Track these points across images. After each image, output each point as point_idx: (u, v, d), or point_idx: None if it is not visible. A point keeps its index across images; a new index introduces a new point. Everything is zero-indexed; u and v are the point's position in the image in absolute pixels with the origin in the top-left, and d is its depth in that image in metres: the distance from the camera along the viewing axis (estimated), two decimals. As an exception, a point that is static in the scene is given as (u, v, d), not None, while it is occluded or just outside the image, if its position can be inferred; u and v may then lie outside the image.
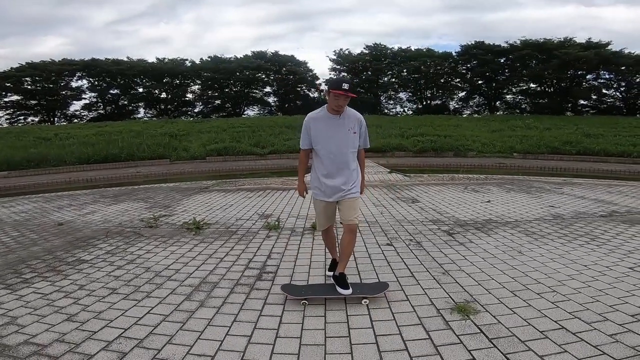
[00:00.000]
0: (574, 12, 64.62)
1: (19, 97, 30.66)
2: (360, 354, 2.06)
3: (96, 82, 32.52)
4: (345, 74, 34.10)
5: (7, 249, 4.08)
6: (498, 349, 2.07)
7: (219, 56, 34.36)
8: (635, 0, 60.47)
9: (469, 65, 32.98)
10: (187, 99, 35.68)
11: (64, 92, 31.89)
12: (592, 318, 2.38)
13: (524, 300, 2.64)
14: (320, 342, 2.19)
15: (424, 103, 35.43)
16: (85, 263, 3.58)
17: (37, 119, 32.07)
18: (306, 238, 4.25)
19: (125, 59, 32.47)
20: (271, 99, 37.14)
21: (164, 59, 33.55)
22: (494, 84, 32.95)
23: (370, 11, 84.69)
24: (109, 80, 32.19)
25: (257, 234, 4.46)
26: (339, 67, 35.31)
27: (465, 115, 32.72)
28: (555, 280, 2.99)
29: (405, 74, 34.11)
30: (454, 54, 33.00)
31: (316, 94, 35.96)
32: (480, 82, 33.53)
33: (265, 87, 36.39)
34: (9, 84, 29.11)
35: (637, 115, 27.49)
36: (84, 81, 32.58)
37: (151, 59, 34.35)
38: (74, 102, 33.15)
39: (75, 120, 32.17)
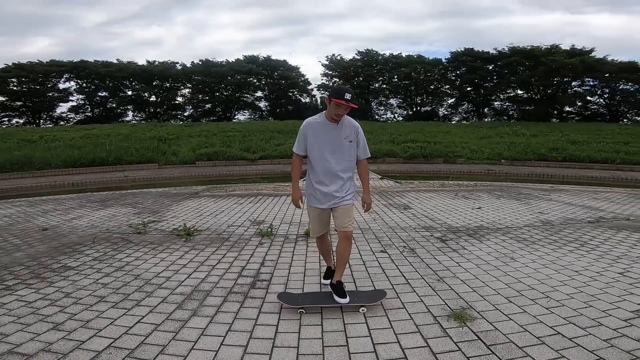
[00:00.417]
0: (561, 19, 66.42)
1: (3, 98, 29.91)
2: (358, 364, 2.03)
3: (84, 84, 31.99)
4: (338, 80, 34.28)
5: (-11, 255, 3.94)
6: (496, 356, 2.06)
7: (211, 60, 34.24)
8: (619, 8, 62.49)
9: (458, 72, 33.47)
10: (177, 102, 35.38)
11: (50, 94, 31.27)
12: (586, 323, 2.40)
13: (519, 307, 2.65)
14: (319, 351, 2.16)
15: (414, 109, 35.78)
16: (71, 270, 3.47)
17: (22, 121, 31.36)
18: (300, 245, 4.21)
19: (115, 61, 32.06)
20: (262, 104, 37.11)
21: (154, 61, 33.27)
22: (482, 91, 33.49)
23: (363, 17, 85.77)
24: (98, 82, 31.68)
25: (250, 240, 4.40)
26: (331, 72, 35.47)
27: (454, 122, 33.13)
28: (548, 286, 3.02)
29: (396, 80, 34.42)
30: (443, 60, 33.53)
31: (308, 99, 36.04)
32: (469, 88, 34.04)
33: (256, 92, 36.33)
34: (-7, 85, 28.46)
35: (620, 122, 28.24)
36: (72, 83, 32.08)
37: (141, 61, 33.96)
38: (61, 104, 32.56)
39: (62, 123, 31.52)
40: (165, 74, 32.73)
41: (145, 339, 2.30)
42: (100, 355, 2.12)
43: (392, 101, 36.91)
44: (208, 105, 35.33)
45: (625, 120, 30.28)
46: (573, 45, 29.36)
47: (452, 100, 35.90)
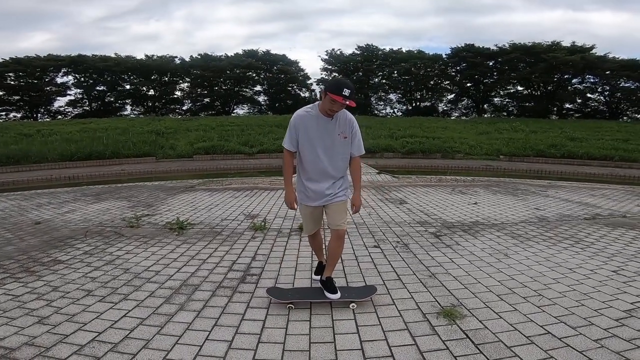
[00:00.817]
0: (563, 16, 66.00)
1: (1, 93, 29.71)
2: (344, 361, 2.00)
3: (82, 79, 31.74)
4: (338, 75, 34.06)
5: (-21, 248, 3.90)
6: (484, 355, 2.03)
7: (209, 54, 34.02)
8: (621, 5, 62.15)
9: (458, 68, 33.30)
10: (176, 96, 35.19)
11: (48, 88, 31.07)
12: (577, 322, 2.37)
13: (510, 305, 2.61)
14: (305, 347, 2.12)
15: (414, 104, 35.67)
16: (61, 264, 3.44)
17: (19, 115, 31.20)
18: (293, 239, 4.17)
19: (113, 56, 31.81)
20: (261, 98, 36.90)
21: (153, 56, 33.00)
22: (482, 87, 33.36)
23: (363, 12, 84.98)
24: (96, 76, 31.46)
25: (243, 234, 4.37)
26: (330, 67, 35.31)
27: (453, 118, 33.05)
28: (541, 283, 2.98)
29: (396, 75, 34.25)
30: (444, 56, 33.33)
31: (307, 94, 35.86)
32: (469, 84, 33.88)
33: (255, 86, 36.13)
34: (-10, 79, 28.26)
35: (620, 120, 28.16)
36: (70, 77, 31.83)
37: (140, 55, 33.51)
38: (59, 98, 32.36)
39: (60, 117, 31.38)
40: (164, 68, 32.50)
41: (130, 333, 2.27)
42: (83, 349, 2.10)
43: (392, 96, 36.84)
44: (207, 100, 35.17)
45: (625, 117, 30.18)
46: (574, 42, 29.20)
47: (452, 96, 35.81)
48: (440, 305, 2.61)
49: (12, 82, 29.43)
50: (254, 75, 34.66)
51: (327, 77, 34.88)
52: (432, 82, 34.58)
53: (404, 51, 34.13)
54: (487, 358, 2.00)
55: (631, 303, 2.63)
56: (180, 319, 2.43)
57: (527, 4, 70.59)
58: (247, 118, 26.12)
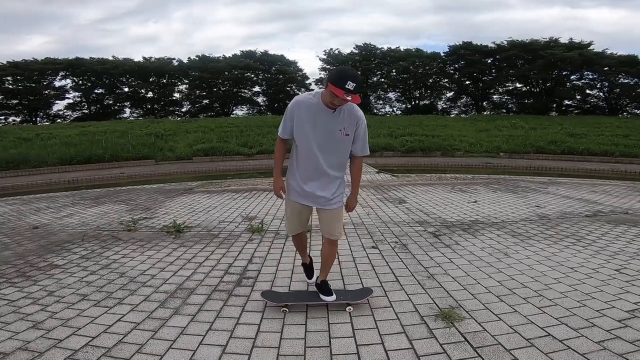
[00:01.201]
0: (560, 13, 65.86)
1: (-1, 97, 29.75)
2: (341, 365, 1.97)
3: (80, 82, 31.68)
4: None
5: (-26, 254, 3.88)
6: (482, 359, 1.99)
7: (208, 55, 33.94)
8: (618, 2, 62.03)
9: (456, 66, 33.18)
10: (175, 98, 35.12)
11: (46, 92, 30.99)
12: (579, 324, 2.32)
13: (509, 306, 2.57)
14: (300, 352, 2.09)
15: (413, 103, 35.56)
16: (57, 268, 3.41)
17: (18, 119, 31.14)
18: (290, 241, 4.12)
19: (111, 58, 31.79)
20: (260, 99, 36.82)
21: (151, 58, 32.91)
22: (481, 84, 33.25)
23: (362, 11, 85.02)
24: (94, 79, 31.41)
25: (240, 237, 4.33)
26: (328, 66, 35.19)
27: (452, 115, 32.93)
28: (542, 283, 2.94)
29: (394, 74, 34.15)
30: (442, 54, 33.21)
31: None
32: (467, 82, 33.79)
33: (254, 87, 36.03)
34: (-12, 84, 28.24)
35: (619, 115, 28.07)
36: (68, 80, 31.74)
37: (138, 58, 33.61)
38: (57, 101, 32.25)
39: (59, 120, 31.30)
40: (162, 70, 32.44)
41: (124, 337, 2.25)
42: (76, 353, 2.09)
43: (391, 95, 36.66)
44: (205, 101, 35.08)
45: (624, 113, 30.08)
46: (571, 39, 29.10)
47: (451, 93, 35.67)
48: (438, 307, 2.57)
49: (10, 86, 29.36)
50: (253, 76, 34.60)
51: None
52: (430, 81, 34.46)
53: (402, 50, 34.01)
54: (485, 361, 1.97)
55: (634, 303, 2.58)
56: (175, 323, 2.40)
57: (524, 1, 70.55)
58: (246, 119, 26.07)
